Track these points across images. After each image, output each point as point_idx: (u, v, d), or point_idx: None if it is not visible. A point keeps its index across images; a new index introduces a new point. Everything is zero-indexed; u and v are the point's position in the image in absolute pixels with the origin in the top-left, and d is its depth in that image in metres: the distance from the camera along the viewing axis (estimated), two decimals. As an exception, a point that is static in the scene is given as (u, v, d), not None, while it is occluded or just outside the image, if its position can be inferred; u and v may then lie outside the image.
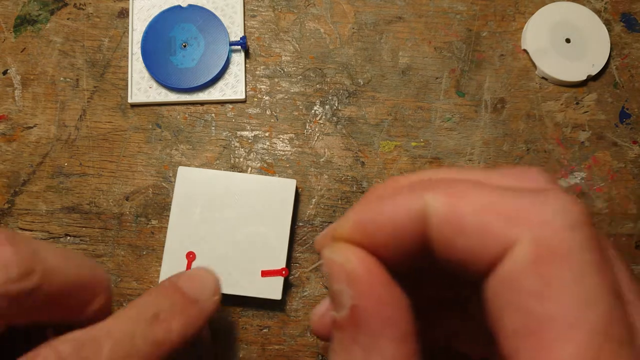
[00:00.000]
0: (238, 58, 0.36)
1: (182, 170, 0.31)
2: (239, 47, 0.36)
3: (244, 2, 0.37)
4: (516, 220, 0.14)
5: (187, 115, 0.35)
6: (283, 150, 0.35)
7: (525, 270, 0.13)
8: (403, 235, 0.16)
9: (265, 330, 0.32)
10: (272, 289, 0.30)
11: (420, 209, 0.15)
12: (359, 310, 0.16)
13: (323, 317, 0.24)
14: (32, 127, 0.35)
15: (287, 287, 0.32)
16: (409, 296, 0.17)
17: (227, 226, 0.31)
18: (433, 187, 0.16)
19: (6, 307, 0.17)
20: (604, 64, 0.36)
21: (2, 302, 0.17)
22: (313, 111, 0.36)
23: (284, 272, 0.30)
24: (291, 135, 0.35)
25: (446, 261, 0.16)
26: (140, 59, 0.35)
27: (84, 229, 0.34)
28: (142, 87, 0.35)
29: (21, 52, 0.36)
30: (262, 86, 0.36)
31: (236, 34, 0.36)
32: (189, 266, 0.30)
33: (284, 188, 0.31)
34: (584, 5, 0.37)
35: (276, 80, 0.36)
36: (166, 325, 0.22)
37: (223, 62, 0.35)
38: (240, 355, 0.32)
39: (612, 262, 0.15)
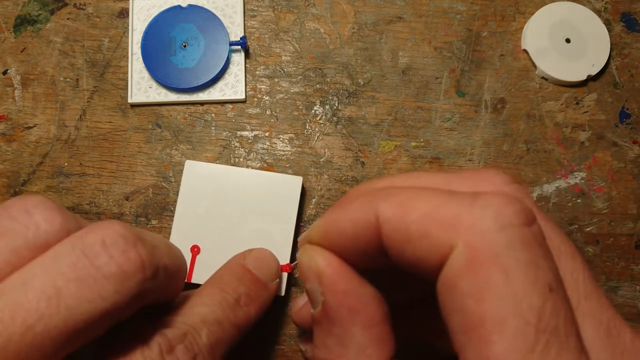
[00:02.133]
0: (238, 58, 0.36)
1: (189, 164, 0.32)
2: (239, 47, 0.36)
3: (244, 2, 0.37)
4: (452, 226, 0.15)
5: (187, 115, 0.35)
6: (283, 150, 0.35)
7: (462, 274, 0.14)
8: (361, 241, 0.17)
9: (265, 330, 0.32)
10: (274, 288, 0.30)
11: (374, 218, 0.16)
12: (329, 304, 0.18)
13: (301, 309, 0.27)
14: (32, 127, 0.35)
15: (288, 287, 0.33)
16: (388, 294, 0.19)
17: (233, 221, 0.31)
18: (385, 196, 0.17)
19: (139, 301, 0.18)
20: (604, 64, 0.36)
21: (140, 299, 0.18)
22: (313, 111, 0.36)
23: (288, 268, 0.30)
24: (291, 135, 0.35)
25: (402, 265, 0.17)
26: (140, 59, 0.35)
27: (84, 229, 0.34)
28: (142, 87, 0.35)
29: (21, 52, 0.36)
30: (262, 86, 0.36)
31: (236, 34, 0.36)
32: (193, 259, 0.31)
33: (291, 185, 0.31)
34: (584, 5, 0.37)
35: (276, 80, 0.36)
36: (246, 310, 0.25)
37: (223, 62, 0.35)
38: (240, 355, 0.32)
39: (560, 256, 0.16)
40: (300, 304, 0.27)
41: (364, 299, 0.18)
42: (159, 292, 0.20)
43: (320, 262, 0.18)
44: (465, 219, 0.15)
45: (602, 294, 0.16)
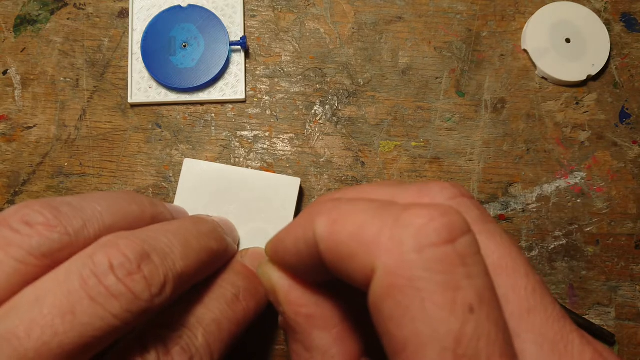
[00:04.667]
0: (238, 58, 0.36)
1: (187, 162, 0.31)
2: (239, 47, 0.36)
3: (244, 2, 0.37)
4: (373, 248, 0.14)
5: (187, 115, 0.35)
6: (283, 150, 0.35)
7: (383, 298, 0.14)
8: (304, 258, 0.17)
9: (265, 330, 0.32)
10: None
11: (312, 235, 0.16)
12: (287, 314, 0.19)
13: None
14: (32, 127, 0.35)
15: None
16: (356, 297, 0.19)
17: (230, 220, 0.31)
18: (322, 212, 0.16)
19: (149, 313, 0.19)
20: (604, 64, 0.36)
21: (150, 311, 0.19)
22: (313, 111, 0.36)
23: None
24: (291, 135, 0.35)
25: (343, 281, 0.16)
26: (140, 59, 0.35)
27: (84, 229, 0.34)
28: (142, 87, 0.35)
29: (21, 52, 0.36)
30: (262, 86, 0.36)
31: (236, 34, 0.36)
32: None
33: (289, 186, 0.31)
34: (584, 5, 0.37)
35: (276, 80, 0.36)
36: (246, 305, 0.25)
37: (223, 62, 0.35)
38: (240, 355, 0.32)
39: (500, 271, 0.16)
40: None
41: (319, 305, 0.19)
42: (179, 292, 0.21)
43: (273, 276, 0.19)
44: (385, 240, 0.14)
45: (550, 306, 0.16)
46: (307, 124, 0.35)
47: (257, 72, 0.36)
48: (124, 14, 0.37)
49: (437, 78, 0.36)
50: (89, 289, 0.17)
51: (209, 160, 0.35)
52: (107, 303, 0.17)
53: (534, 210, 0.34)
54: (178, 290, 0.20)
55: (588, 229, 0.34)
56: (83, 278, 0.17)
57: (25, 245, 0.17)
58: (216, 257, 0.24)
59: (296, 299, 0.19)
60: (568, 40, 0.36)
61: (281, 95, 0.36)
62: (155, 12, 0.36)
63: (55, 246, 0.18)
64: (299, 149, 0.35)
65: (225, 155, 0.35)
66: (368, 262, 0.14)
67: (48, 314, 0.16)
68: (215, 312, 0.23)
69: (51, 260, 0.18)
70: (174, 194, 0.34)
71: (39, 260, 0.17)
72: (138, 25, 0.36)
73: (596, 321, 0.33)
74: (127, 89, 0.35)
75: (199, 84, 0.35)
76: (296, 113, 0.35)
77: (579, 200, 0.35)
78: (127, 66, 0.36)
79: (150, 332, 0.20)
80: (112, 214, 0.20)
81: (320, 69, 0.36)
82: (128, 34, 0.36)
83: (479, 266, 0.14)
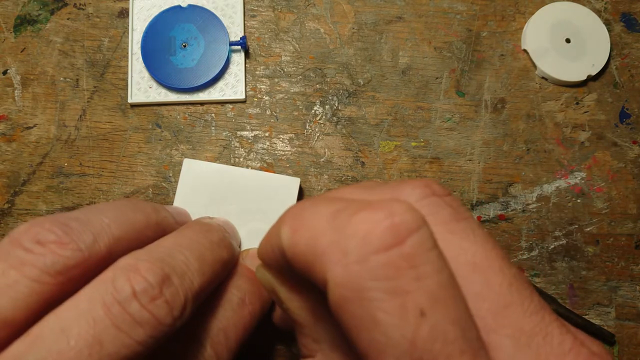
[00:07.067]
0: (238, 58, 0.36)
1: (187, 162, 0.31)
2: (239, 47, 0.36)
3: (244, 2, 0.37)
4: (325, 258, 0.14)
5: (187, 115, 0.35)
6: (283, 150, 0.35)
7: (337, 310, 0.14)
8: (283, 263, 0.17)
9: (265, 330, 0.32)
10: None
11: (279, 242, 0.16)
12: (291, 310, 0.19)
13: (281, 314, 0.27)
14: (32, 127, 0.35)
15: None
16: None
17: (230, 221, 0.31)
18: (286, 219, 0.16)
19: (171, 334, 0.19)
20: (604, 64, 0.36)
21: (172, 332, 0.19)
22: (313, 111, 0.36)
23: None
24: (291, 135, 0.35)
25: None
26: (140, 59, 0.35)
27: (84, 229, 0.34)
28: (142, 87, 0.35)
29: (21, 52, 0.36)
30: (262, 86, 0.36)
31: (236, 34, 0.36)
32: None
33: (288, 186, 0.31)
34: (584, 5, 0.37)
35: (276, 80, 0.36)
36: (252, 308, 0.25)
37: (223, 62, 0.35)
38: (240, 355, 0.32)
39: (473, 269, 0.15)
40: (279, 309, 0.28)
41: (321, 297, 0.18)
42: (196, 308, 0.21)
43: (269, 277, 0.19)
44: (332, 251, 0.14)
45: (527, 300, 0.15)
46: (307, 124, 0.35)
47: (257, 72, 0.36)
48: (124, 14, 0.37)
49: (437, 78, 0.36)
50: (114, 317, 0.17)
51: (209, 160, 0.35)
52: (131, 331, 0.17)
53: (534, 210, 0.34)
54: (195, 307, 0.20)
55: (588, 229, 0.34)
56: (106, 305, 0.17)
57: (40, 264, 0.17)
58: (227, 266, 0.24)
59: (298, 294, 0.19)
60: (568, 40, 0.36)
61: (281, 95, 0.36)
62: (155, 12, 0.36)
63: (70, 263, 0.18)
64: (299, 149, 0.35)
65: (225, 155, 0.35)
66: (321, 274, 0.14)
67: (75, 346, 0.16)
68: (222, 321, 0.23)
69: (66, 277, 0.18)
70: (174, 194, 0.34)
71: (54, 278, 0.17)
72: (138, 25, 0.36)
73: (596, 321, 0.33)
74: (127, 89, 0.35)
75: (199, 84, 0.35)
76: (296, 113, 0.35)
77: (579, 200, 0.35)
78: (127, 66, 0.36)
79: (159, 347, 0.20)
80: (120, 225, 0.20)
81: (320, 69, 0.36)
82: (128, 34, 0.36)
83: (431, 264, 0.13)
